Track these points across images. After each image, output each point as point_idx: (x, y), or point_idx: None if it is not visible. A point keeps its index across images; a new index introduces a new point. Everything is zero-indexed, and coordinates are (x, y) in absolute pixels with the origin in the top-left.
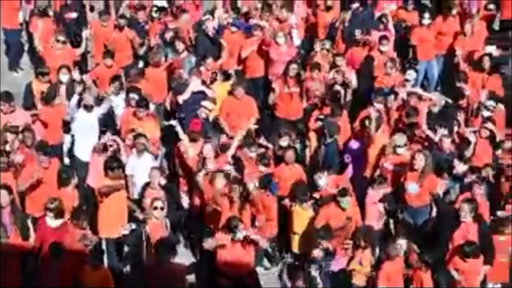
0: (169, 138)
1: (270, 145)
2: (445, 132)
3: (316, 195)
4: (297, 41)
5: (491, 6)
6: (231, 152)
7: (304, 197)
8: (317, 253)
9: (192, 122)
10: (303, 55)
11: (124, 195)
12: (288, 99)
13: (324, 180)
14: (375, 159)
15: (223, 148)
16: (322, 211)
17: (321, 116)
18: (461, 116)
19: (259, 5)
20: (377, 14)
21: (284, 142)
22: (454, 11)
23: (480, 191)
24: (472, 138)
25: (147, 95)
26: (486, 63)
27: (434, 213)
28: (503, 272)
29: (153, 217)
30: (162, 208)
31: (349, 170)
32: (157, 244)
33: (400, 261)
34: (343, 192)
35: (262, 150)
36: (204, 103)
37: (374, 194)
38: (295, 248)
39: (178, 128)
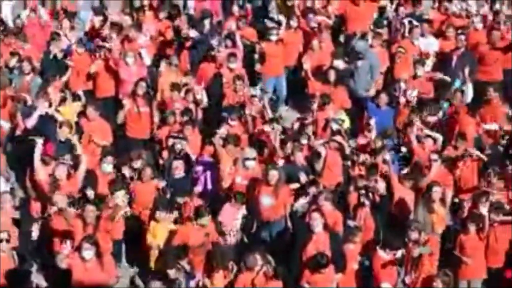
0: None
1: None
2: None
3: None
4: (147, 61)
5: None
6: (81, 173)
7: (163, 210)
8: (173, 274)
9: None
10: (154, 73)
11: None
12: (138, 119)
13: None
14: (226, 173)
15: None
16: (180, 230)
17: (174, 134)
18: (309, 130)
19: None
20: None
21: (137, 164)
22: (294, 23)
23: (325, 202)
24: (322, 151)
25: None
26: (332, 76)
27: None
28: (354, 280)
29: None
30: (7, 240)
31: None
32: (6, 277)
33: (259, 275)
34: (201, 213)
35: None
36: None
37: (228, 208)
38: (152, 264)
39: (37, 150)
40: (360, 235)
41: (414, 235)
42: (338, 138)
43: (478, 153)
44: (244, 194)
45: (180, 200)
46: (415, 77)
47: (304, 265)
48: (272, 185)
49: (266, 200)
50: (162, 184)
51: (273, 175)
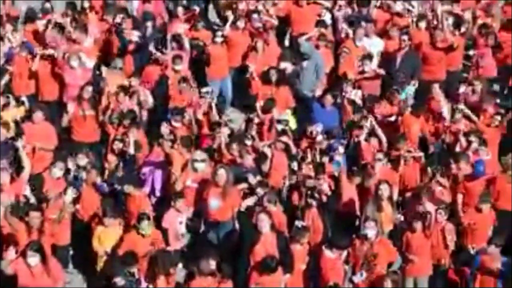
0: None
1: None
2: None
3: None
4: (89, 64)
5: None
6: (26, 176)
7: (111, 216)
8: (119, 280)
9: None
10: (98, 76)
11: None
12: (83, 122)
13: None
14: (178, 175)
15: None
16: (125, 238)
17: (118, 137)
18: (253, 131)
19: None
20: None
21: (81, 161)
22: (241, 24)
23: (269, 203)
24: (268, 152)
25: None
26: (273, 75)
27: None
28: (302, 280)
29: None
30: None
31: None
32: None
33: (212, 279)
34: (142, 217)
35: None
36: None
37: (173, 213)
38: (99, 269)
39: None
40: (308, 236)
41: (371, 231)
42: (284, 138)
43: (418, 154)
44: (181, 194)
45: (126, 188)
46: (362, 72)
47: (253, 267)
48: (221, 186)
49: (214, 202)
50: (97, 179)
51: (221, 174)
